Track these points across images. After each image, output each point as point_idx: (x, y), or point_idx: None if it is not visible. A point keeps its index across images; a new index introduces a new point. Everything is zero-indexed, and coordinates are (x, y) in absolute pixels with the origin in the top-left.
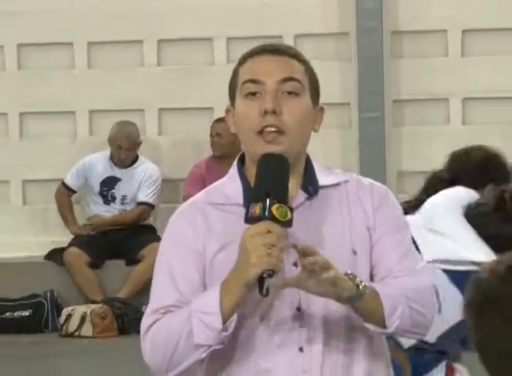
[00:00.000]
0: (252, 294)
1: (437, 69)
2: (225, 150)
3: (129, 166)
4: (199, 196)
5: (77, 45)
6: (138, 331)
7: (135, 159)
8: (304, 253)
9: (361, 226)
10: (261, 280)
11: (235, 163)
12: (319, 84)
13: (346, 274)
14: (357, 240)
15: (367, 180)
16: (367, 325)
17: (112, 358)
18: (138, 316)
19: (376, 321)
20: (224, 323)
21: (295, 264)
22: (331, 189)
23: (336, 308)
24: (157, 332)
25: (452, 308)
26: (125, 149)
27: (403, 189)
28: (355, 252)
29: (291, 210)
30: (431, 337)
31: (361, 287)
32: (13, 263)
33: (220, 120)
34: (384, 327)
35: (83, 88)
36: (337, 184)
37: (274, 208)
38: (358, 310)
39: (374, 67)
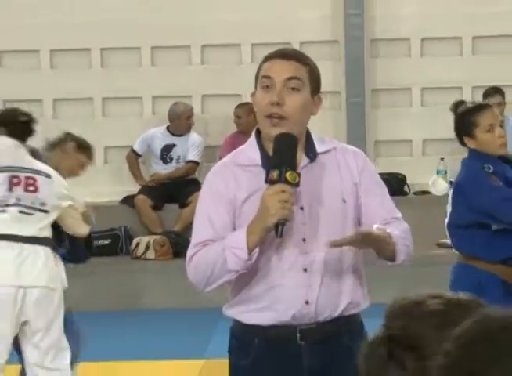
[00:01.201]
0: (269, 235)
1: (403, 66)
2: (243, 128)
3: (183, 135)
4: (227, 158)
5: (144, 50)
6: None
7: (189, 129)
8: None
9: (349, 182)
10: (276, 226)
11: (253, 133)
12: (320, 80)
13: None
14: (346, 193)
15: (350, 147)
16: (380, 259)
17: (168, 274)
18: (187, 244)
19: (387, 257)
20: (249, 255)
21: (301, 208)
22: (326, 155)
23: (339, 248)
24: (198, 260)
25: None
26: (186, 119)
27: (379, 154)
28: (344, 201)
29: (299, 175)
30: None
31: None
32: (98, 206)
33: (239, 106)
34: (393, 260)
35: (148, 80)
36: (329, 150)
37: (287, 174)
38: (382, 252)
39: (357, 66)
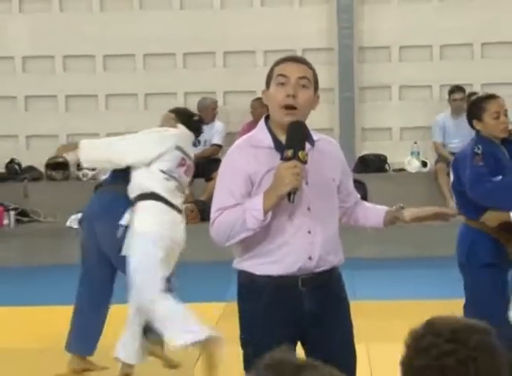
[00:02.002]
0: (282, 202)
1: (384, 69)
2: (257, 117)
3: (209, 123)
4: (241, 141)
5: (178, 56)
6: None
7: (213, 119)
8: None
9: (334, 166)
10: (289, 194)
11: (262, 120)
12: (318, 81)
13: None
14: (333, 174)
15: (328, 138)
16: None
17: (196, 234)
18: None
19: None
20: (264, 216)
21: (306, 183)
22: (318, 143)
23: (328, 210)
24: (220, 221)
25: None
26: (211, 110)
27: (365, 139)
28: (334, 180)
29: (307, 154)
30: None
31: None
32: None
33: (254, 100)
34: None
35: (181, 80)
36: (318, 140)
37: (299, 153)
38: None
39: (348, 68)
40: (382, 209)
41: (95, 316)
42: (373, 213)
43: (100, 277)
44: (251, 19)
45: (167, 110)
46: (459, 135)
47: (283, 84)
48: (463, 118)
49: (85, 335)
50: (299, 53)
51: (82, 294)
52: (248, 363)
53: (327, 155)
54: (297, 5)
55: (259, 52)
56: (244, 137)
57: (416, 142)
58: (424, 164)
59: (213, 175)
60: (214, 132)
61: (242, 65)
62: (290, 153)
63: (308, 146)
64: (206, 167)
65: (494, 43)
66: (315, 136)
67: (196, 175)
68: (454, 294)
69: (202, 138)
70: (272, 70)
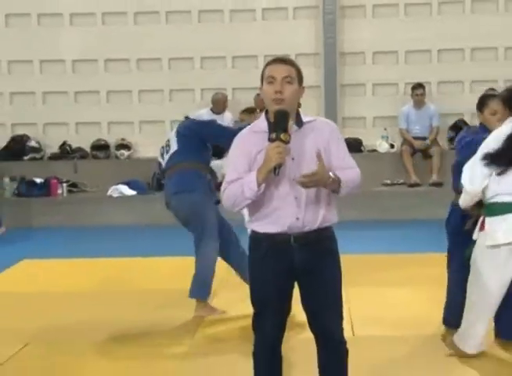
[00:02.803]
0: (271, 174)
1: (361, 70)
2: (259, 108)
3: (220, 113)
4: (246, 129)
5: (196, 59)
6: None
7: (224, 110)
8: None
9: (323, 140)
10: (275, 168)
11: (263, 113)
12: (303, 76)
13: (334, 175)
14: (319, 144)
15: (326, 120)
16: (331, 191)
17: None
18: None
19: (332, 190)
20: (258, 187)
21: (292, 158)
22: (309, 124)
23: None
24: (227, 193)
25: None
26: (223, 103)
27: (345, 125)
28: (320, 150)
29: (289, 136)
30: None
31: (339, 181)
32: None
33: (257, 95)
34: (338, 193)
35: (198, 78)
36: (310, 121)
37: (281, 135)
38: (331, 188)
39: (332, 70)
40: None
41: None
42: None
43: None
44: (254, 31)
45: (187, 102)
46: (420, 123)
47: (272, 82)
48: (423, 109)
49: (203, 282)
50: (292, 57)
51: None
52: (253, 305)
53: (317, 131)
54: (291, 19)
55: (260, 57)
56: (251, 126)
57: (385, 129)
58: (392, 146)
59: (224, 155)
60: (224, 120)
61: (247, 67)
62: (274, 135)
63: (294, 127)
64: (218, 149)
65: (448, 50)
66: (307, 119)
67: (212, 155)
68: (412, 250)
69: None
70: (263, 70)
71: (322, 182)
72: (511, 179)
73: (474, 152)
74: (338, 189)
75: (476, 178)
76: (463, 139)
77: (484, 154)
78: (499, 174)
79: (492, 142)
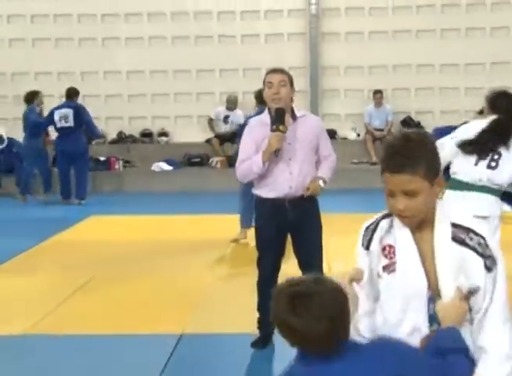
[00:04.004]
0: (272, 155)
1: (336, 80)
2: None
3: (233, 110)
4: (254, 121)
5: (216, 71)
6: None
7: (236, 107)
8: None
9: (313, 132)
10: (275, 151)
11: (266, 110)
12: (293, 82)
13: (322, 181)
14: (309, 136)
15: (313, 115)
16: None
17: (226, 174)
18: (234, 161)
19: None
20: (263, 165)
21: (289, 143)
22: (302, 118)
23: (304, 160)
24: (240, 169)
25: None
26: (233, 102)
27: (324, 120)
28: (310, 142)
29: (286, 127)
30: None
31: (325, 180)
32: (195, 144)
33: (257, 91)
34: (325, 182)
35: (218, 85)
36: (302, 116)
37: (280, 127)
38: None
39: (315, 80)
40: (319, 173)
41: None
42: (319, 169)
43: None
44: (259, 50)
45: (209, 102)
46: (379, 119)
47: (270, 86)
48: (381, 109)
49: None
50: (286, 69)
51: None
52: (257, 249)
53: (307, 125)
54: (286, 42)
55: (263, 69)
56: (256, 118)
57: (354, 123)
58: (358, 135)
59: (236, 141)
60: (237, 116)
61: (253, 76)
62: (274, 127)
63: (291, 121)
64: (231, 136)
65: (399, 65)
66: (300, 113)
67: (227, 140)
68: (373, 211)
69: (229, 119)
70: (264, 78)
71: (318, 191)
72: (471, 163)
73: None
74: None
75: (445, 148)
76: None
77: (460, 139)
78: (465, 154)
79: (471, 129)
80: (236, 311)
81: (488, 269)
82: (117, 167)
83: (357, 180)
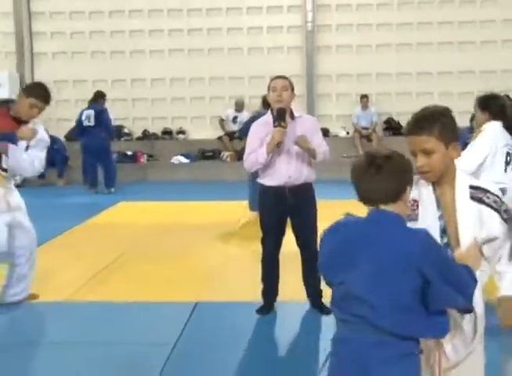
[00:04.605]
0: (275, 148)
1: (328, 86)
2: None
3: (240, 111)
4: (259, 120)
5: (226, 78)
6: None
7: (243, 109)
8: (300, 138)
9: (308, 129)
10: (277, 144)
11: (269, 110)
12: (294, 87)
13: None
14: (306, 132)
15: (309, 116)
16: (311, 157)
17: (235, 166)
18: (242, 155)
19: (313, 156)
20: (267, 156)
21: (289, 138)
22: (299, 118)
23: (302, 155)
24: (247, 160)
25: None
26: (240, 105)
27: (319, 120)
28: (305, 137)
29: (286, 124)
30: None
31: (314, 149)
32: (207, 140)
33: (263, 96)
34: (314, 158)
35: (227, 91)
36: (299, 116)
37: (282, 123)
38: (310, 154)
39: (311, 86)
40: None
41: None
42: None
43: None
44: (262, 60)
45: (220, 105)
46: (365, 119)
47: (274, 90)
48: (367, 111)
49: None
50: None
51: None
52: (262, 230)
53: (303, 124)
54: (286, 54)
55: (267, 77)
56: (261, 119)
57: (344, 122)
58: (347, 133)
59: (243, 138)
60: (244, 117)
61: (258, 83)
62: (276, 123)
63: (289, 119)
64: (241, 133)
65: (382, 74)
66: (297, 114)
67: (236, 138)
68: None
69: (238, 119)
70: (269, 84)
71: (306, 145)
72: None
73: None
74: (314, 155)
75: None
76: None
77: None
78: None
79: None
80: (243, 282)
81: (505, 220)
82: (142, 160)
83: (346, 171)
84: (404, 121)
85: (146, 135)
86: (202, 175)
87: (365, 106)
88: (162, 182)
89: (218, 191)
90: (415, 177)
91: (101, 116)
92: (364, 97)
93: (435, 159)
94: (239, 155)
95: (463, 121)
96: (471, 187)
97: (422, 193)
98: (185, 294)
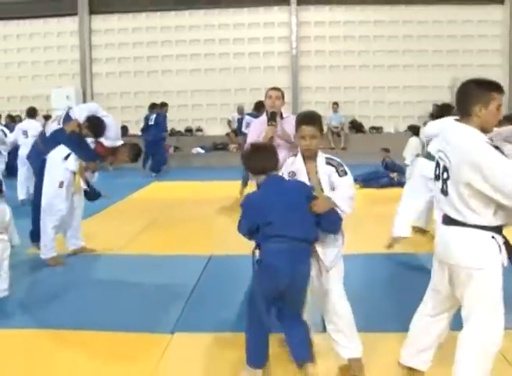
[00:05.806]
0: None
1: (311, 97)
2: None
3: (242, 114)
4: (257, 120)
5: (232, 90)
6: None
7: (243, 114)
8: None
9: (293, 125)
10: (270, 138)
11: (265, 112)
12: (284, 96)
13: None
14: (290, 130)
15: (294, 116)
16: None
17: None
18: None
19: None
20: None
21: (278, 133)
22: (286, 118)
23: (286, 144)
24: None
25: None
26: (241, 110)
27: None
28: (289, 135)
29: (277, 123)
30: None
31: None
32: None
33: (262, 106)
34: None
35: (234, 100)
36: (287, 117)
37: (273, 123)
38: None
39: (296, 95)
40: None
41: None
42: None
43: None
44: (259, 76)
45: (227, 110)
46: (335, 120)
47: (270, 98)
48: (337, 114)
49: None
50: None
51: None
52: None
53: (288, 123)
54: (276, 72)
55: (262, 89)
56: (259, 119)
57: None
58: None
59: (238, 134)
60: (245, 119)
61: (255, 93)
62: (269, 123)
63: (278, 119)
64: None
65: (349, 87)
66: (285, 115)
67: (240, 134)
68: None
69: (243, 121)
70: (266, 93)
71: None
72: None
73: None
74: (290, 139)
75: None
76: None
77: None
78: None
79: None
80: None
81: (340, 175)
82: (170, 151)
83: None
84: (364, 122)
85: (172, 133)
86: (214, 162)
87: (335, 111)
88: (184, 167)
89: (226, 174)
90: (291, 158)
91: (157, 119)
92: (335, 104)
93: (315, 142)
94: (242, 147)
95: (405, 124)
96: (327, 158)
97: (297, 164)
98: (202, 248)
